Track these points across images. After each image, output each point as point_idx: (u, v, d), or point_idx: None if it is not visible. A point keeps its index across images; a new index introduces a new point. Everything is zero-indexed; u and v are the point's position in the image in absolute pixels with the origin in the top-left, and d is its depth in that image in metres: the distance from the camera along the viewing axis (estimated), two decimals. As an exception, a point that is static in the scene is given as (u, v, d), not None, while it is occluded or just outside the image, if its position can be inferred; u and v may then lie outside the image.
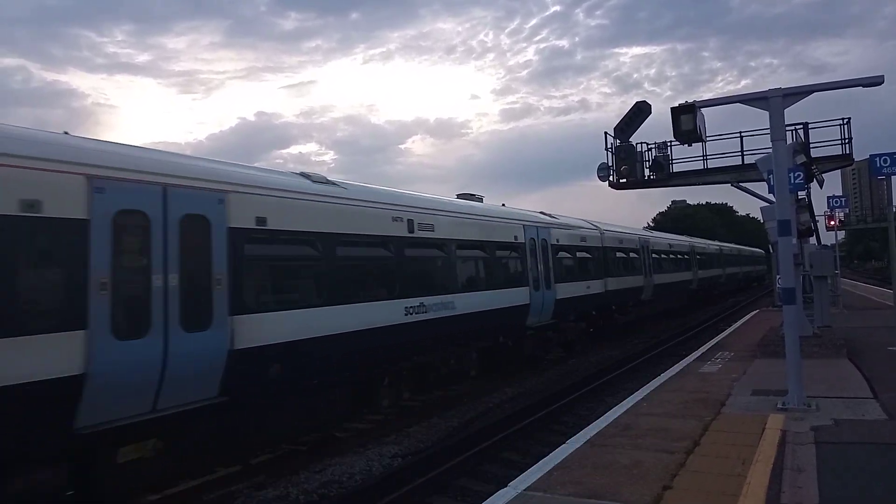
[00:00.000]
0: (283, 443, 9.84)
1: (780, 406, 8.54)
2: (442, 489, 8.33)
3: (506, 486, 6.16)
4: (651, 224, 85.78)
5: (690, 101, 9.09)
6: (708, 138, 17.23)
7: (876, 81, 8.43)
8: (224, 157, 10.36)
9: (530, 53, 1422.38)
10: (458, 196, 17.04)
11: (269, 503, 8.13)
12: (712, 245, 46.37)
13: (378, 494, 7.83)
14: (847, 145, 19.74)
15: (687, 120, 8.96)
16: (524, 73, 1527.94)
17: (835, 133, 19.98)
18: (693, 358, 14.02)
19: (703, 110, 9.22)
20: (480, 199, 17.04)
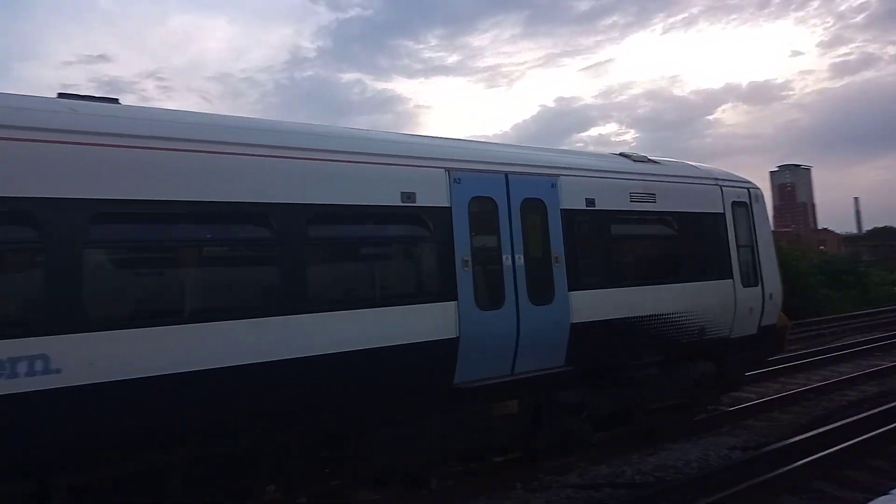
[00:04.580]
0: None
1: None
2: (793, 489, 7.70)
3: (878, 494, 5.47)
4: None
5: None
6: None
7: None
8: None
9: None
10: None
11: (606, 478, 8.43)
12: None
13: (718, 485, 7.56)
14: None
15: None
16: (859, 17, 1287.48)
17: None
18: None
19: None
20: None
